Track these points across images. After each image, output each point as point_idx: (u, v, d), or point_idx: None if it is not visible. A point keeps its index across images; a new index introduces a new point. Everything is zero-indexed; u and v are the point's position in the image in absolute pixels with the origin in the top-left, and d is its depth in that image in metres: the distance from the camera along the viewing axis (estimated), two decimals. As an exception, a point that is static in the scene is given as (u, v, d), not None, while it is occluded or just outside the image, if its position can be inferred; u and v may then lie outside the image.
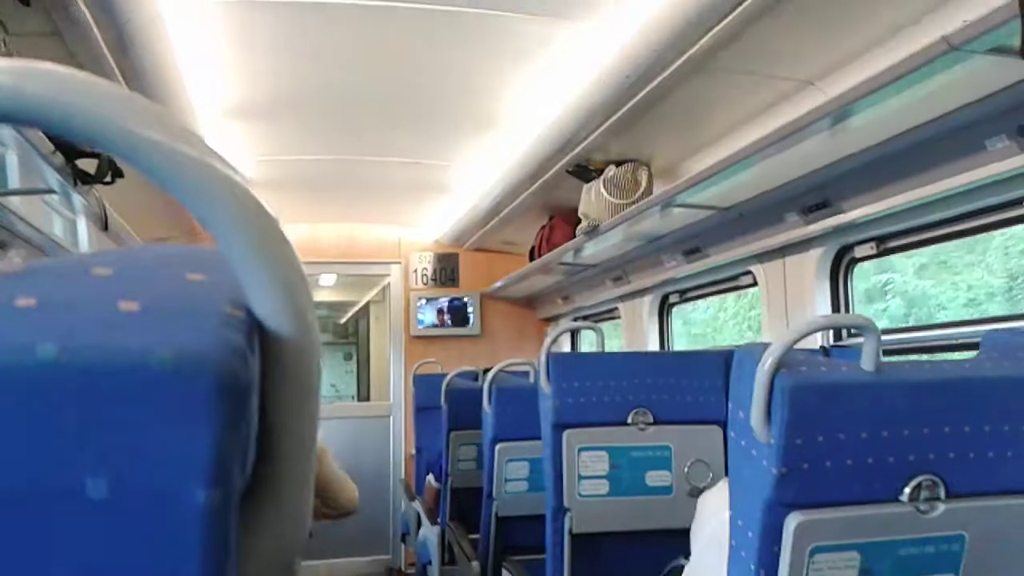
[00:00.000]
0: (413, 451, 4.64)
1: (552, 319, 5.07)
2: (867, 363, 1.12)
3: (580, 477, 2.06)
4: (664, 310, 3.79)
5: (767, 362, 1.09)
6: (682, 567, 1.45)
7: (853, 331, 2.30)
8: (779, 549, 1.12)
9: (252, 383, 0.28)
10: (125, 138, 0.29)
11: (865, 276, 2.67)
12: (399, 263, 5.23)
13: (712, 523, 1.33)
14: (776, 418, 1.08)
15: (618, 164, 3.07)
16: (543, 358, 2.08)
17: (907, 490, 1.14)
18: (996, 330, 1.31)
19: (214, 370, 0.27)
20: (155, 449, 0.27)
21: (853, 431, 1.10)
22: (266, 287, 0.30)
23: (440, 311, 5.23)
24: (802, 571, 1.12)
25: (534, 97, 2.74)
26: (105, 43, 1.96)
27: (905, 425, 1.12)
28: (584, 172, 3.16)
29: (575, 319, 4.73)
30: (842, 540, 1.13)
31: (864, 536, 1.14)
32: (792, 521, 1.10)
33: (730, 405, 1.18)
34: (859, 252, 2.40)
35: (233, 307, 0.29)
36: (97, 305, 0.29)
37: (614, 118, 2.55)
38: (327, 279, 6.10)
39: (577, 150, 2.91)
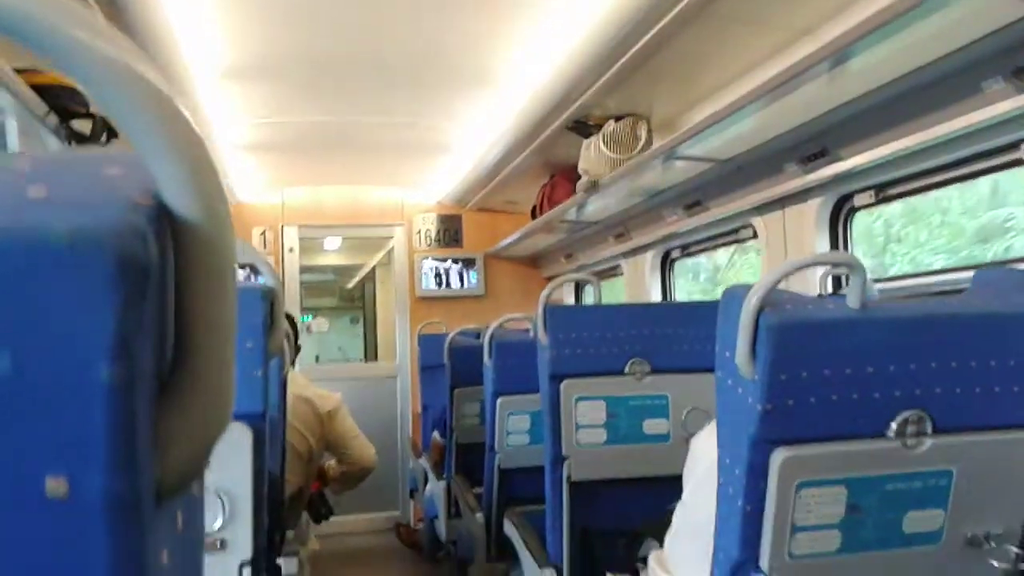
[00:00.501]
0: (419, 409, 4.68)
1: (556, 278, 5.06)
2: (852, 300, 1.12)
3: (578, 426, 2.08)
4: (666, 265, 3.79)
5: (751, 300, 1.09)
6: (676, 510, 1.47)
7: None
8: (766, 485, 1.14)
9: (153, 264, 0.29)
10: (49, 36, 0.29)
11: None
12: (402, 225, 5.23)
13: (703, 463, 1.34)
14: (760, 355, 1.09)
15: (617, 119, 3.06)
16: (540, 310, 2.09)
17: (894, 425, 1.15)
18: (987, 268, 1.32)
19: (112, 249, 0.28)
20: (58, 325, 0.28)
21: (838, 367, 1.11)
22: (173, 176, 0.31)
23: (444, 272, 5.25)
24: (788, 506, 1.13)
25: (531, 53, 2.72)
26: (98, 3, 1.95)
27: (891, 361, 1.12)
28: (583, 128, 3.15)
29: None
30: (828, 475, 1.14)
31: (851, 471, 1.15)
32: (778, 457, 1.11)
33: (717, 345, 1.18)
34: (858, 201, 2.39)
35: (143, 196, 0.30)
36: (7, 192, 0.30)
37: (611, 71, 2.53)
38: (332, 242, 6.11)
39: (576, 105, 2.90)
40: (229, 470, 1.22)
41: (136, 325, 0.28)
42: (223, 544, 1.23)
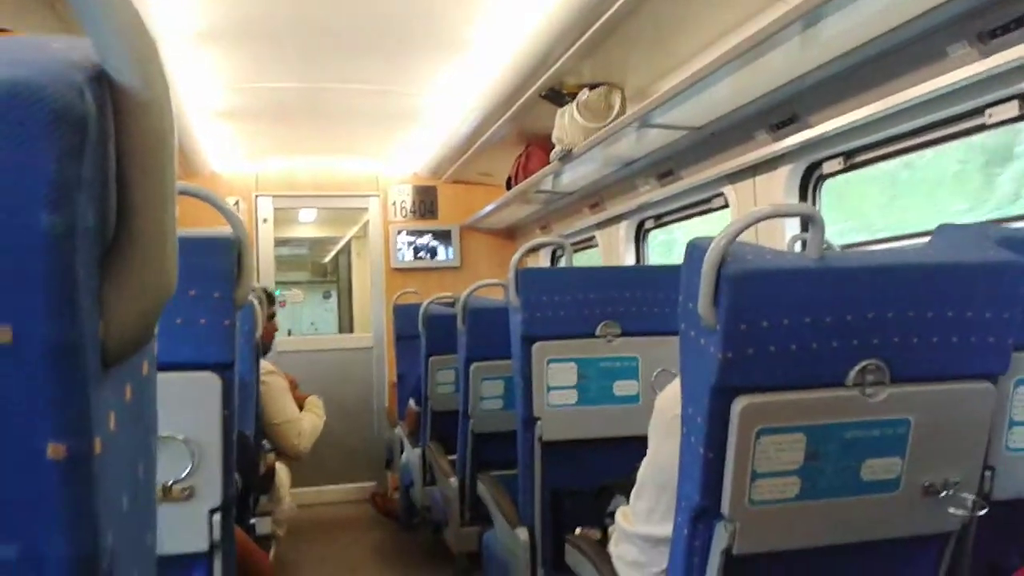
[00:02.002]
0: (395, 380, 4.69)
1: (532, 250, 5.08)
2: (812, 251, 1.15)
3: (549, 388, 2.10)
4: (640, 236, 3.81)
5: (714, 251, 1.11)
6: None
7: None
8: (727, 433, 1.16)
9: (90, 118, 0.30)
10: None
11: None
12: (377, 196, 5.22)
13: (666, 416, 1.37)
14: (721, 304, 1.11)
15: (591, 88, 3.05)
16: (512, 274, 2.10)
17: (852, 374, 1.18)
18: (949, 224, 1.34)
19: (49, 99, 0.29)
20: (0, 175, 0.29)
21: (797, 317, 1.13)
22: (110, 42, 0.32)
23: (420, 243, 5.24)
24: (748, 453, 1.16)
25: (504, 17, 2.71)
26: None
27: (849, 311, 1.14)
28: (557, 96, 3.14)
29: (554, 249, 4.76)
30: (788, 423, 1.17)
31: (810, 419, 1.18)
32: (738, 405, 1.14)
33: (680, 296, 1.20)
34: (827, 168, 2.42)
35: (83, 60, 0.31)
36: None
37: (585, 37, 2.53)
38: (307, 215, 6.07)
39: (549, 73, 2.89)
40: (197, 418, 1.23)
41: (75, 178, 0.29)
42: (191, 492, 1.24)
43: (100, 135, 0.31)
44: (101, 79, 0.32)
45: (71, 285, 0.30)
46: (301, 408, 3.41)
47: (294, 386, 3.34)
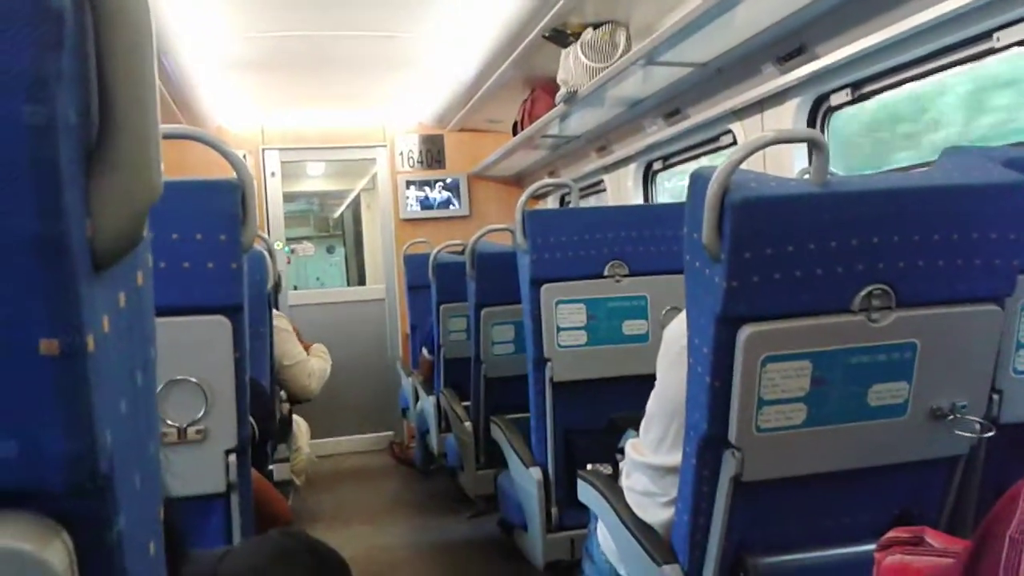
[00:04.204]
0: (408, 330, 4.72)
1: (541, 196, 5.07)
2: (815, 177, 1.14)
3: (559, 329, 2.11)
4: (648, 178, 3.78)
5: (716, 180, 1.11)
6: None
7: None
8: (732, 362, 1.17)
9: (66, 12, 0.30)
10: None
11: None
12: (384, 147, 5.19)
13: (674, 348, 1.38)
14: (725, 233, 1.10)
15: (595, 27, 3.01)
16: (518, 216, 2.10)
17: (857, 300, 1.18)
18: (953, 147, 1.33)
19: None
20: None
21: (801, 243, 1.12)
22: None
23: (428, 193, 5.23)
24: (755, 381, 1.17)
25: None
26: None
27: (853, 235, 1.14)
28: (561, 37, 3.10)
29: (562, 194, 4.74)
30: (793, 350, 1.17)
31: (815, 346, 1.18)
32: (743, 333, 1.14)
33: (685, 228, 1.20)
34: (835, 100, 2.38)
35: None
36: None
37: (587, -27, 2.49)
38: (315, 168, 6.06)
39: (552, 12, 2.85)
40: (208, 361, 1.25)
41: (55, 72, 0.30)
42: (206, 434, 1.27)
43: (78, 30, 0.32)
44: None
45: (56, 180, 0.30)
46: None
47: (298, 335, 3.38)
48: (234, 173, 1.26)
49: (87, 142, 0.33)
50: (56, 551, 0.32)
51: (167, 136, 1.22)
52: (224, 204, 1.21)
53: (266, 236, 3.02)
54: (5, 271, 0.30)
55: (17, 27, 0.29)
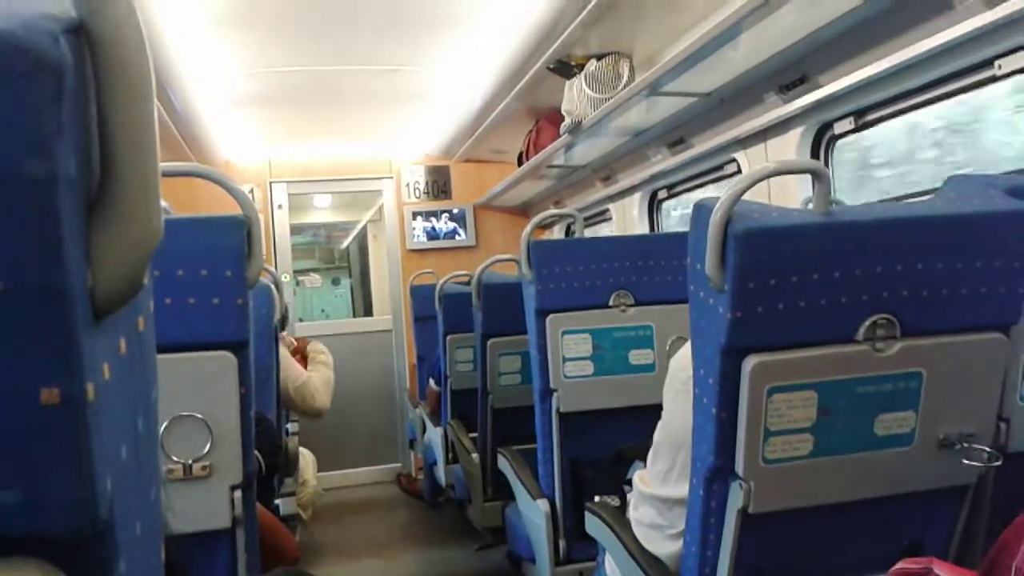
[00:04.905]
0: (415, 361, 4.72)
1: (546, 226, 5.09)
2: (818, 206, 1.14)
3: (565, 359, 2.11)
4: (654, 206, 3.79)
5: (719, 210, 1.11)
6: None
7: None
8: (738, 392, 1.16)
9: (66, 65, 0.31)
10: None
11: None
12: (391, 178, 5.23)
13: (679, 378, 1.37)
14: (729, 264, 1.11)
15: (599, 58, 3.04)
16: (523, 246, 2.11)
17: (862, 329, 1.17)
18: (957, 176, 1.33)
19: (26, 47, 0.30)
20: None
21: (805, 273, 1.12)
22: None
23: (434, 224, 5.26)
24: (761, 411, 1.16)
25: (508, -10, 2.69)
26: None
27: (857, 265, 1.14)
28: (565, 68, 3.13)
29: (567, 223, 4.75)
30: (799, 380, 1.17)
31: (821, 376, 1.18)
32: (748, 364, 1.14)
33: (689, 258, 1.20)
34: (838, 128, 2.39)
35: (60, 12, 0.32)
36: None
37: (590, 6, 2.52)
38: (322, 200, 6.10)
39: (556, 44, 2.88)
40: (213, 396, 1.25)
41: (55, 126, 0.30)
42: (211, 470, 1.27)
43: (78, 83, 0.32)
44: (78, 29, 0.32)
45: (56, 232, 0.31)
46: (306, 359, 3.47)
47: (302, 345, 3.40)
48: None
49: (87, 193, 0.33)
50: None
51: (174, 174, 1.24)
52: (229, 240, 1.22)
53: (273, 269, 3.03)
54: (6, 321, 0.30)
55: (16, 83, 0.30)
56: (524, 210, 5.30)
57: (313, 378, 3.33)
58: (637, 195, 3.79)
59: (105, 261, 0.34)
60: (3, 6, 0.32)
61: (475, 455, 2.95)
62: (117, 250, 0.34)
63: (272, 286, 2.30)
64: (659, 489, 1.43)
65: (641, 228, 3.83)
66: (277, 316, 2.46)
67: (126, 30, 0.33)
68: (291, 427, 3.28)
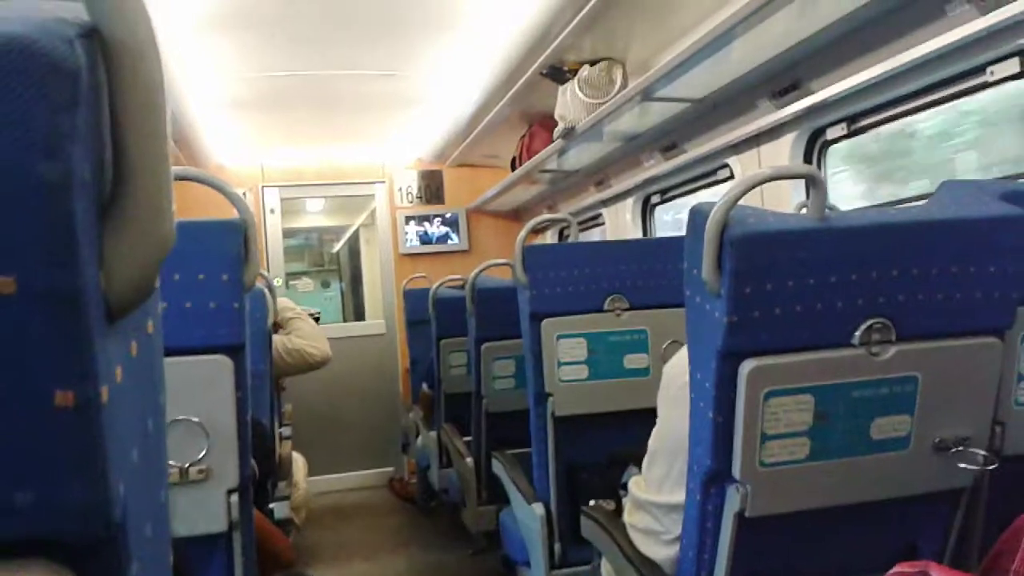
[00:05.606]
0: (408, 365, 4.72)
1: (540, 231, 5.09)
2: (813, 211, 1.15)
3: (560, 363, 2.11)
4: (647, 211, 3.80)
5: (715, 215, 1.11)
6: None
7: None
8: (735, 396, 1.17)
9: (81, 70, 0.31)
10: None
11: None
12: (384, 183, 5.23)
13: (675, 384, 1.38)
14: (725, 268, 1.11)
15: (592, 64, 3.05)
16: (517, 251, 2.11)
17: (858, 334, 1.18)
18: (951, 181, 1.34)
19: (41, 51, 0.30)
20: None
21: (801, 278, 1.13)
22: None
23: (427, 228, 5.26)
24: (757, 416, 1.17)
25: (501, -5, 2.70)
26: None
27: (852, 270, 1.15)
28: (558, 74, 3.13)
29: (561, 228, 4.76)
30: (795, 384, 1.17)
31: (817, 380, 1.18)
32: (745, 368, 1.14)
33: (685, 263, 1.21)
34: (831, 134, 2.41)
35: (74, 17, 0.32)
36: None
37: (583, 12, 2.52)
38: (314, 205, 6.09)
39: (549, 50, 2.88)
40: (210, 400, 1.25)
41: (70, 129, 0.31)
42: (208, 474, 1.26)
43: (92, 87, 0.32)
44: (92, 34, 0.33)
45: (71, 235, 0.31)
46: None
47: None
48: (235, 212, 1.27)
49: (101, 196, 0.34)
50: None
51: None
52: (226, 244, 1.22)
53: (266, 273, 3.03)
54: (21, 323, 0.31)
55: (32, 86, 0.30)
56: (517, 214, 5.31)
57: (294, 338, 3.33)
58: (630, 200, 3.81)
59: (118, 264, 0.34)
60: (18, 10, 0.32)
61: (469, 459, 2.95)
62: (130, 253, 0.34)
63: (266, 290, 2.30)
64: (655, 495, 1.43)
65: (634, 233, 3.84)
66: (271, 321, 2.45)
67: (139, 34, 0.34)
68: (284, 431, 3.27)
